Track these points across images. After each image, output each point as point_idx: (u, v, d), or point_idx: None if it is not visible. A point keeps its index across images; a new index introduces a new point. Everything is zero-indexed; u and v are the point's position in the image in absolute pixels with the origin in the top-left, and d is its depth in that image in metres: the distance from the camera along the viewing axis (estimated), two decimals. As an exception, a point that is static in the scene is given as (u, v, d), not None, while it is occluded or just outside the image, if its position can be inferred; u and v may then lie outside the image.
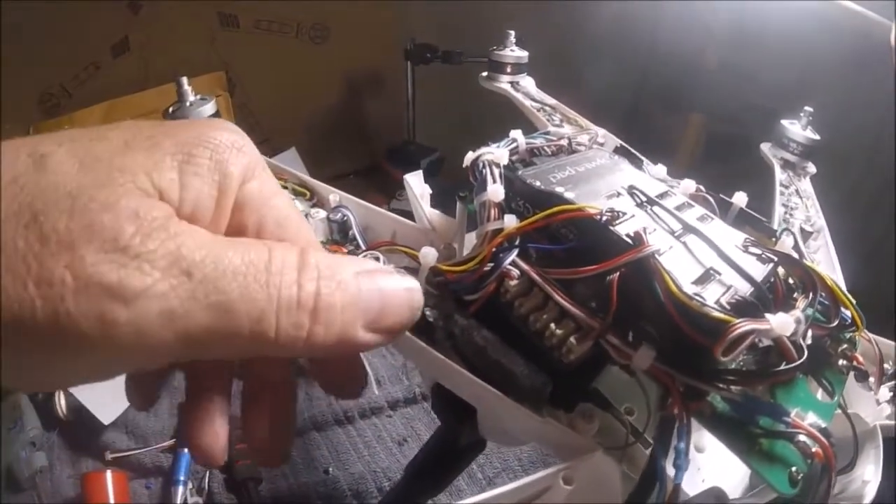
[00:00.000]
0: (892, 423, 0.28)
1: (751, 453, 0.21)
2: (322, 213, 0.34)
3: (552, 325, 0.22)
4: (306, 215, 0.34)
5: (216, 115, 0.40)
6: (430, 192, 0.35)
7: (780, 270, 0.25)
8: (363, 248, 0.32)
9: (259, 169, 0.20)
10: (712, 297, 0.21)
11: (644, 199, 0.26)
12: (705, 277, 0.22)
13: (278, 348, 0.17)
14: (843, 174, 0.74)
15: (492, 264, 0.23)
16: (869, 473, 0.25)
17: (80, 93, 0.90)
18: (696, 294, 0.20)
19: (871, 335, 0.28)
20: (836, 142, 0.51)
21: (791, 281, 0.25)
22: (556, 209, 0.23)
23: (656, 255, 0.21)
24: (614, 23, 0.98)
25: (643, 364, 0.21)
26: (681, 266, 0.22)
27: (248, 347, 0.17)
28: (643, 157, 0.34)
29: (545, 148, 0.31)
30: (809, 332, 0.24)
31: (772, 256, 0.24)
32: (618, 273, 0.21)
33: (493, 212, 0.25)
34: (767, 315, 0.19)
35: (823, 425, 0.22)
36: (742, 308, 0.21)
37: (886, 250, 0.68)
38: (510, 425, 0.25)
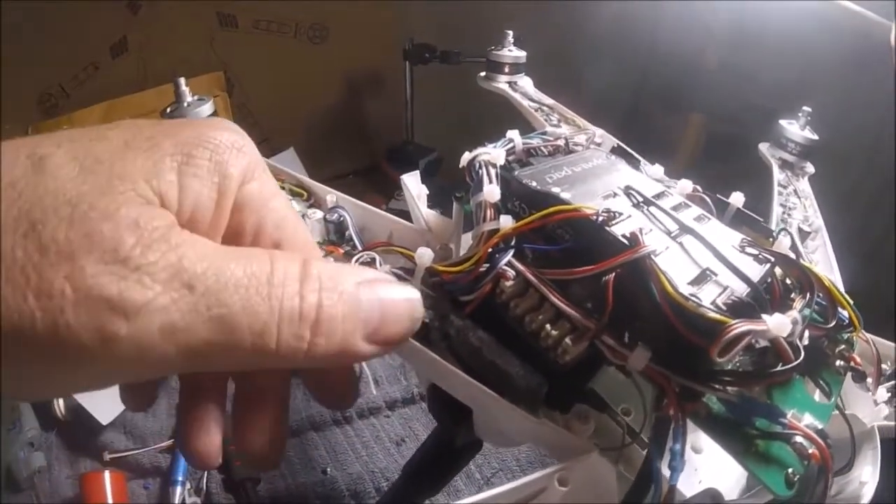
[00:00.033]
0: (891, 423, 0.27)
1: (747, 455, 0.21)
2: (319, 214, 0.34)
3: (548, 326, 0.22)
4: (303, 216, 0.34)
5: (214, 115, 0.40)
6: (427, 192, 0.35)
7: (778, 271, 0.25)
8: (360, 248, 0.32)
9: (259, 170, 0.20)
10: (708, 298, 0.21)
11: (640, 199, 0.26)
12: (701, 278, 0.22)
13: (279, 360, 0.17)
14: (842, 174, 0.74)
15: (487, 265, 0.23)
16: (866, 475, 0.25)
17: (79, 93, 0.90)
18: (692, 295, 0.20)
19: (868, 335, 0.27)
20: (836, 142, 0.51)
21: (788, 281, 0.25)
22: (552, 209, 0.23)
23: (652, 256, 0.21)
24: (614, 23, 0.98)
25: (638, 365, 0.20)
26: (677, 267, 0.22)
27: (249, 359, 0.17)
28: (640, 157, 0.34)
29: (542, 148, 0.31)
30: (807, 333, 0.24)
31: (769, 257, 0.24)
32: (613, 274, 0.21)
33: (489, 212, 0.25)
34: (764, 316, 0.19)
35: (820, 426, 0.22)
36: (738, 309, 0.21)
37: (886, 250, 0.68)
38: (506, 426, 0.25)
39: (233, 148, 0.19)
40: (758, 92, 0.85)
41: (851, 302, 0.25)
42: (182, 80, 0.39)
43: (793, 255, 0.26)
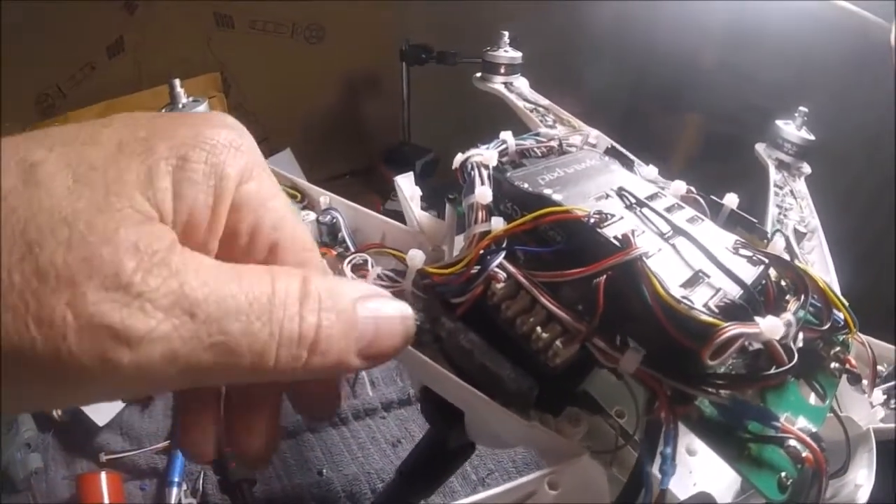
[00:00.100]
0: (887, 426, 0.27)
1: (739, 458, 0.20)
2: (312, 216, 0.34)
3: (539, 329, 0.21)
4: (296, 217, 0.34)
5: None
6: (421, 193, 0.35)
7: (773, 273, 0.24)
8: (352, 250, 0.32)
9: (258, 169, 0.19)
10: (700, 301, 0.21)
11: (633, 200, 0.26)
12: (694, 280, 0.22)
13: (275, 375, 0.17)
14: (841, 175, 0.74)
15: (479, 267, 0.23)
16: (861, 477, 0.25)
17: (76, 93, 0.90)
18: (684, 297, 0.20)
19: (864, 337, 0.27)
20: (835, 142, 0.51)
21: (783, 283, 0.25)
22: (543, 211, 0.23)
23: (644, 258, 0.20)
24: (612, 23, 0.98)
25: (630, 367, 0.20)
26: (669, 269, 0.22)
27: (246, 376, 0.17)
28: (634, 158, 0.34)
29: (535, 149, 0.31)
30: (801, 335, 0.24)
31: (763, 258, 0.24)
32: (605, 276, 0.21)
33: (480, 214, 0.25)
34: (757, 318, 0.19)
35: (814, 429, 0.22)
36: (731, 311, 0.20)
37: (885, 251, 0.68)
38: (497, 429, 0.25)
39: (230, 147, 0.18)
40: (756, 92, 0.85)
41: (846, 303, 0.25)
42: (177, 82, 0.38)
43: (787, 257, 0.26)
